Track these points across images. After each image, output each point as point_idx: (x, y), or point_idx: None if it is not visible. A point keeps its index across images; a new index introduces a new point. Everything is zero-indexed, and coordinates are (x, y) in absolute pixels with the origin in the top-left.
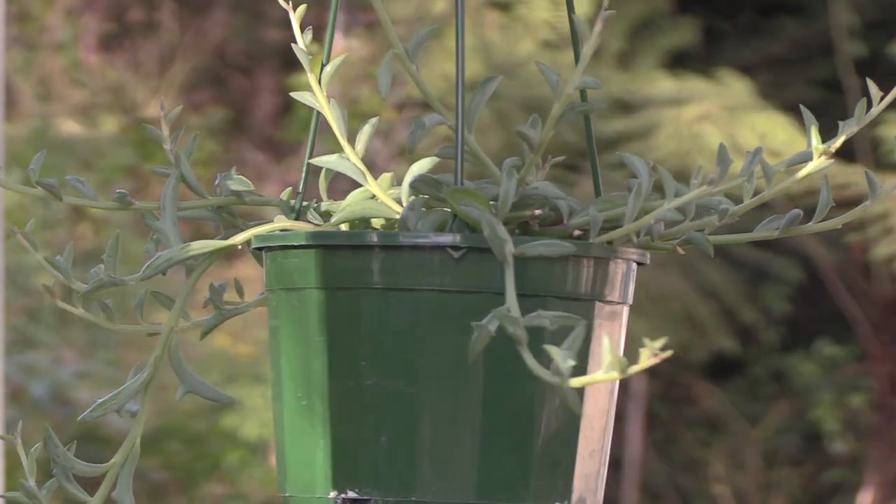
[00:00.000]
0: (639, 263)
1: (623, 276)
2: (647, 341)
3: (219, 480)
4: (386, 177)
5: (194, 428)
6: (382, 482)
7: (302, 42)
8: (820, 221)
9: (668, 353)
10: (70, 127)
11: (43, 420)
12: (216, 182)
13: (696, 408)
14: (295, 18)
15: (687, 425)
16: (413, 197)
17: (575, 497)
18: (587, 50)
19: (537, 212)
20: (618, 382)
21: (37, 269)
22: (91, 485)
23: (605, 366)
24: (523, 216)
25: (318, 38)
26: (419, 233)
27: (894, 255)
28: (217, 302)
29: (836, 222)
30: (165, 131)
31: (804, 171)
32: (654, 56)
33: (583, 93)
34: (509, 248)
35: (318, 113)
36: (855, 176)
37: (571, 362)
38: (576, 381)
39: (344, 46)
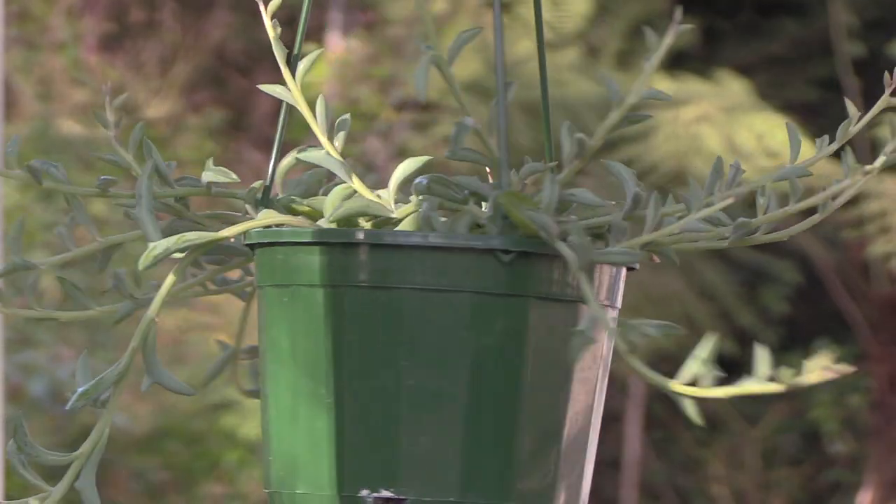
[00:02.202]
0: (629, 268)
1: (613, 280)
2: (820, 356)
3: (218, 480)
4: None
5: (194, 428)
6: (420, 482)
7: (273, 35)
8: (767, 233)
9: (849, 368)
10: (70, 127)
11: (41, 419)
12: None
13: (694, 408)
14: (266, 14)
15: (686, 425)
16: (419, 197)
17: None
18: (654, 61)
19: (573, 217)
20: (604, 380)
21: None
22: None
23: (759, 376)
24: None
25: (316, 38)
26: (470, 235)
27: (892, 254)
28: (122, 289)
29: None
30: (111, 117)
31: (844, 196)
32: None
33: (542, 63)
34: (589, 256)
35: (288, 108)
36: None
37: (714, 374)
38: (722, 391)
39: (343, 47)
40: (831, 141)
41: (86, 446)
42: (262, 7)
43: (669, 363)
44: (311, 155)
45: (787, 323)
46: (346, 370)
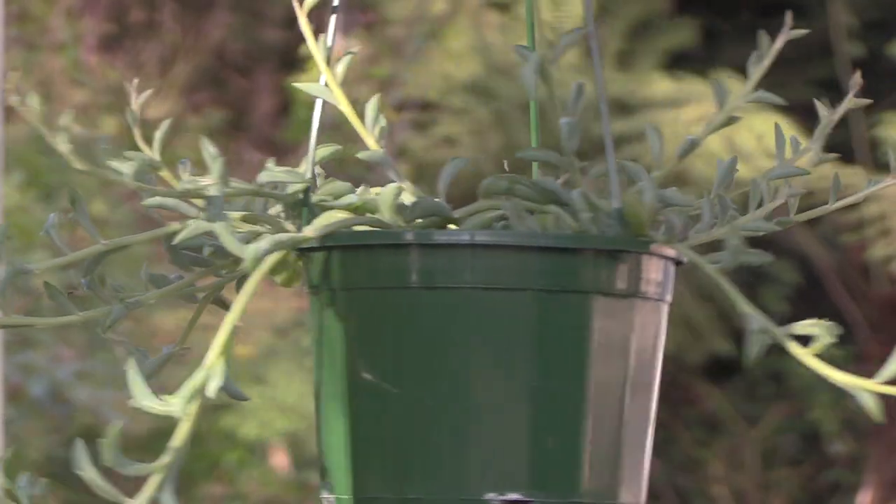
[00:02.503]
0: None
1: (665, 275)
2: None
3: (217, 480)
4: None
5: (193, 428)
6: (547, 484)
7: (311, 39)
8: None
9: None
10: (70, 128)
11: (41, 419)
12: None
13: (694, 408)
14: (301, 13)
15: (686, 426)
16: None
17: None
18: (765, 63)
19: (661, 218)
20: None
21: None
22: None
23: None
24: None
25: (315, 38)
26: (595, 237)
27: (892, 256)
28: (99, 293)
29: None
30: (137, 111)
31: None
32: (654, 57)
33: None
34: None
35: (320, 108)
36: (853, 177)
37: None
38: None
39: (343, 47)
40: (824, 147)
41: (167, 457)
42: (296, 6)
43: (668, 363)
44: (370, 154)
45: (787, 323)
46: (468, 373)
